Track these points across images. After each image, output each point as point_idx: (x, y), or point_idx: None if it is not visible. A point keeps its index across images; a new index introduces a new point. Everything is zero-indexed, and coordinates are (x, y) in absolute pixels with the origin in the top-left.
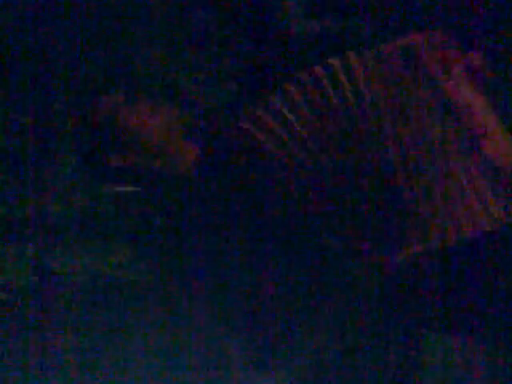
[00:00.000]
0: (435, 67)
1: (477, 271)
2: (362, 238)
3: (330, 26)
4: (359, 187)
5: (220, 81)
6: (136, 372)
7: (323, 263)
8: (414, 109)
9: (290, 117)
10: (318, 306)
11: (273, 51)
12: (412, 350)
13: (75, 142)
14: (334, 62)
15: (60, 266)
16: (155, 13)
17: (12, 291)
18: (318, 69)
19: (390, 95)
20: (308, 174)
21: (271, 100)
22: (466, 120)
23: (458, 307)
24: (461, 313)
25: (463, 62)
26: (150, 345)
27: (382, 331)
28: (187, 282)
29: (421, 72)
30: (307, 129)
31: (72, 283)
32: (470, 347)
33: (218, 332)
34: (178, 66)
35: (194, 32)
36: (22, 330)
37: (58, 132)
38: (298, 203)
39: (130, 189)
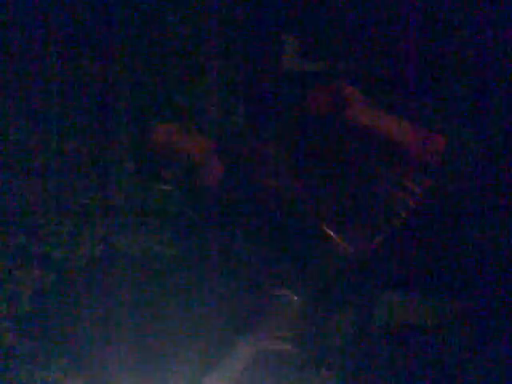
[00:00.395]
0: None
1: (421, 237)
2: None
3: (320, 66)
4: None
5: (232, 109)
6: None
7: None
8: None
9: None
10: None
11: (270, 86)
12: (368, 307)
13: (134, 156)
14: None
15: (121, 242)
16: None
17: (86, 261)
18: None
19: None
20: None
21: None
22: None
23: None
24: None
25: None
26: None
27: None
28: (210, 258)
29: (340, 104)
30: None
31: (129, 255)
32: (419, 301)
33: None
34: (201, 95)
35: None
36: (92, 291)
37: (122, 146)
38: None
39: (172, 188)
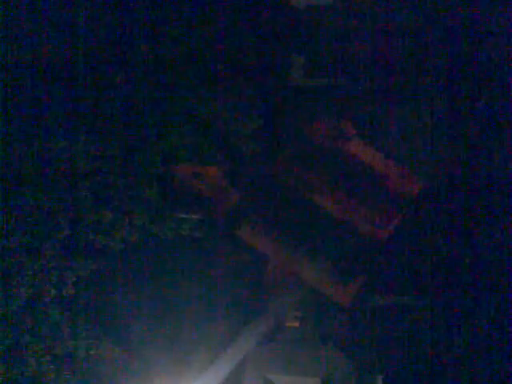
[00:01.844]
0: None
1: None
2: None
3: (322, 83)
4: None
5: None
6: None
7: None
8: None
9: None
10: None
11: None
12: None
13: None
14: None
15: (157, 229)
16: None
17: (127, 245)
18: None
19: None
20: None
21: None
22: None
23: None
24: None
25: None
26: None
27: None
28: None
29: (336, 137)
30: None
31: (163, 239)
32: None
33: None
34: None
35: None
36: (128, 274)
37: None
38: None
39: (193, 216)
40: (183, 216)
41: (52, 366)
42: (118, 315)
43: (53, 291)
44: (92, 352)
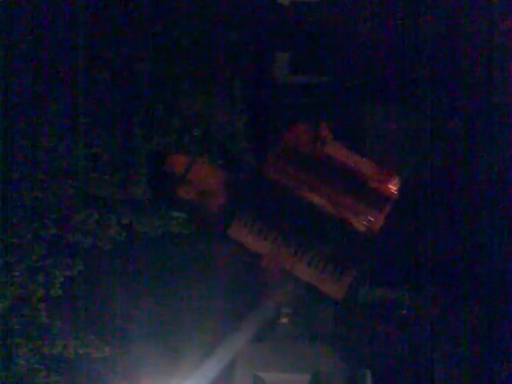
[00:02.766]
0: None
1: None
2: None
3: (308, 80)
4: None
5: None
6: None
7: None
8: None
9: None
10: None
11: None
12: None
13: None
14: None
15: (146, 227)
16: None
17: (113, 243)
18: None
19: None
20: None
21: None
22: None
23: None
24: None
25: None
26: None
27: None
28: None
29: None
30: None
31: (149, 237)
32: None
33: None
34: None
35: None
36: (116, 273)
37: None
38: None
39: (182, 215)
40: (172, 215)
41: (41, 367)
42: (108, 315)
43: (40, 291)
44: (81, 352)
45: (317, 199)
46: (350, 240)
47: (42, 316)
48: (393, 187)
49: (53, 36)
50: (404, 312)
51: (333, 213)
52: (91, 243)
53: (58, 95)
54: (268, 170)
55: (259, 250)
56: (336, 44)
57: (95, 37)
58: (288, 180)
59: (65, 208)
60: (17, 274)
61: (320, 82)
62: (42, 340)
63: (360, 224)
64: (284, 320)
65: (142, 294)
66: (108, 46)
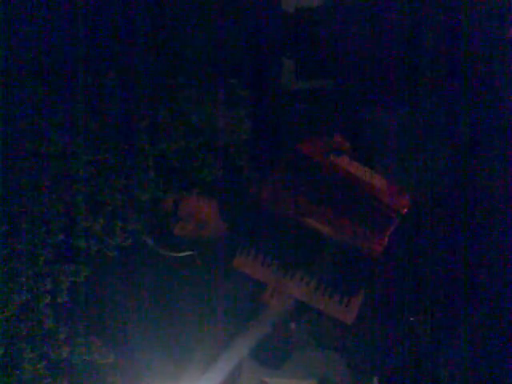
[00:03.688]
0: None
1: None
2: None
3: (312, 86)
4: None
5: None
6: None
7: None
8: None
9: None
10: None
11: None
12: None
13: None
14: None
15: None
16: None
17: (120, 251)
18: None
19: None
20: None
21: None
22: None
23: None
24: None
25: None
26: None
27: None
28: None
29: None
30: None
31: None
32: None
33: None
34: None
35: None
36: (122, 279)
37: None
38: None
39: (185, 254)
40: (175, 255)
41: (47, 372)
42: (114, 321)
43: (47, 297)
44: (87, 358)
45: (319, 225)
46: (354, 264)
47: (49, 322)
48: (404, 202)
49: (58, 39)
50: (411, 319)
51: (336, 238)
52: (98, 249)
53: (64, 100)
54: (266, 200)
55: (264, 280)
56: (341, 49)
57: (101, 42)
58: (290, 206)
59: (72, 214)
60: (23, 279)
61: (324, 88)
62: (48, 345)
63: (364, 247)
64: (291, 325)
65: (148, 301)
66: (114, 52)
